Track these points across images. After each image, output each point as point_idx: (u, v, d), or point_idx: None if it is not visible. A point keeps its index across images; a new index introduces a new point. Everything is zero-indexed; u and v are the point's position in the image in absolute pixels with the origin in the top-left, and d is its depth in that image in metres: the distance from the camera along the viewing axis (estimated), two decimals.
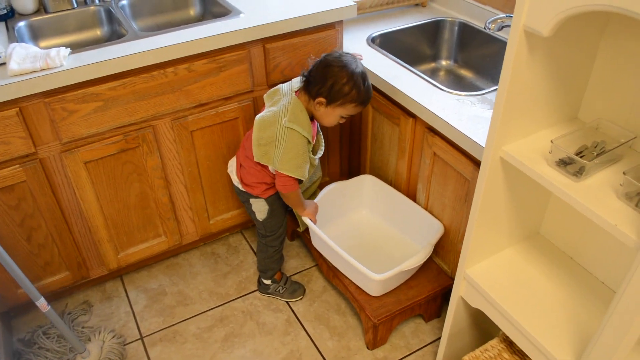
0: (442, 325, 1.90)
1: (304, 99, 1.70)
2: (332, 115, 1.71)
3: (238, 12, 1.90)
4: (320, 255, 2.03)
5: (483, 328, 1.80)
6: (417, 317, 2.02)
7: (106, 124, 1.72)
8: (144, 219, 2.01)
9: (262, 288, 2.12)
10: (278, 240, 2.00)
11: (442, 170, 1.75)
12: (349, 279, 1.91)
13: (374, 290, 1.83)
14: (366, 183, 2.12)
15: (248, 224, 2.39)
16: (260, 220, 1.93)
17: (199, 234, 2.18)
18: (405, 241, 2.05)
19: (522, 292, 1.47)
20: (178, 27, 1.80)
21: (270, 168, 1.76)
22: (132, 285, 2.17)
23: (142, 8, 2.09)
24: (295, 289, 2.10)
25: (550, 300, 1.44)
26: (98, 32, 2.04)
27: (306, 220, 1.91)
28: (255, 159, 1.72)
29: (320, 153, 1.84)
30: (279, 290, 2.09)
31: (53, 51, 1.59)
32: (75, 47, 1.74)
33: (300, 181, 1.78)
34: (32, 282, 1.77)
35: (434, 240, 1.83)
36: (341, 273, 1.93)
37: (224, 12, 1.94)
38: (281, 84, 1.79)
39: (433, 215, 1.89)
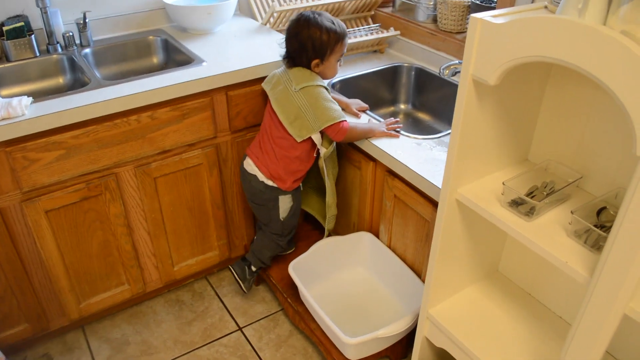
0: None
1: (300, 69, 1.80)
2: (331, 66, 1.80)
3: (201, 61, 1.94)
4: (286, 299, 2.03)
5: None
6: (384, 358, 2.02)
7: (68, 172, 1.72)
8: (107, 267, 1.98)
9: (243, 271, 2.14)
10: (287, 238, 2.07)
11: (402, 211, 1.80)
12: (316, 323, 1.91)
13: (349, 354, 1.78)
14: (363, 240, 2.04)
15: (213, 269, 2.38)
16: (282, 219, 1.98)
17: (163, 281, 2.16)
18: (398, 306, 1.97)
19: (484, 329, 1.50)
20: (141, 75, 1.83)
21: (313, 138, 1.82)
22: (94, 335, 2.12)
23: (105, 56, 2.11)
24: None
25: (511, 336, 1.48)
26: (60, 80, 2.05)
27: (291, 272, 1.90)
28: (299, 140, 1.79)
29: None
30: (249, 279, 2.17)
31: (15, 100, 1.60)
32: (38, 96, 1.75)
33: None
34: None
35: (417, 310, 1.70)
36: (308, 317, 1.93)
37: (187, 61, 1.98)
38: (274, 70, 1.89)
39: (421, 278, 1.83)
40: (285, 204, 1.95)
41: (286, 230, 2.04)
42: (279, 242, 2.07)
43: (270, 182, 1.90)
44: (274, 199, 1.93)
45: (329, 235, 2.08)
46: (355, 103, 1.96)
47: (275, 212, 1.97)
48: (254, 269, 2.14)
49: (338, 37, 1.76)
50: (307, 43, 1.73)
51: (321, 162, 1.88)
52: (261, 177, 1.90)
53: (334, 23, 1.76)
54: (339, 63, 1.83)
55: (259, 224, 2.19)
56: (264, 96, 1.99)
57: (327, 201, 1.96)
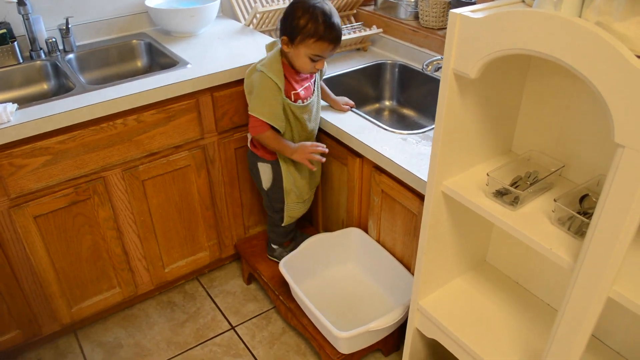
0: (401, 358, 1.93)
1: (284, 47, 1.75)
2: (300, 57, 1.70)
3: (185, 63, 1.95)
4: (278, 296, 2.05)
5: (441, 357, 1.84)
6: (377, 351, 2.04)
7: (56, 178, 1.72)
8: (97, 271, 1.98)
9: (269, 251, 2.18)
10: (279, 215, 2.04)
11: (390, 206, 1.82)
12: (308, 319, 1.92)
13: (341, 348, 1.80)
14: (352, 236, 2.07)
15: (204, 270, 2.38)
16: (265, 189, 1.99)
17: (154, 283, 2.16)
18: (388, 299, 2.00)
19: (474, 319, 1.52)
20: (126, 79, 1.83)
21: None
22: (86, 340, 2.12)
23: (89, 61, 2.11)
24: None
25: (500, 325, 1.51)
26: (45, 86, 2.04)
27: (282, 269, 1.91)
28: (249, 112, 1.78)
29: (313, 121, 1.87)
30: (285, 255, 2.10)
31: (0, 107, 1.60)
32: (22, 102, 1.74)
33: (277, 131, 1.79)
34: None
35: (408, 302, 1.74)
36: (300, 313, 1.95)
37: (172, 63, 1.99)
38: None
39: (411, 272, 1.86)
40: (265, 173, 1.95)
41: (273, 202, 2.01)
42: (270, 214, 2.08)
43: (251, 148, 1.95)
44: (254, 164, 1.97)
45: (289, 224, 2.09)
46: (343, 100, 1.99)
47: (258, 179, 1.99)
48: (271, 243, 2.17)
49: (314, 33, 1.64)
50: (288, 18, 1.68)
51: None
52: (249, 143, 1.97)
53: (325, 21, 1.64)
54: (313, 63, 1.71)
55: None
56: None
57: (284, 186, 1.95)
